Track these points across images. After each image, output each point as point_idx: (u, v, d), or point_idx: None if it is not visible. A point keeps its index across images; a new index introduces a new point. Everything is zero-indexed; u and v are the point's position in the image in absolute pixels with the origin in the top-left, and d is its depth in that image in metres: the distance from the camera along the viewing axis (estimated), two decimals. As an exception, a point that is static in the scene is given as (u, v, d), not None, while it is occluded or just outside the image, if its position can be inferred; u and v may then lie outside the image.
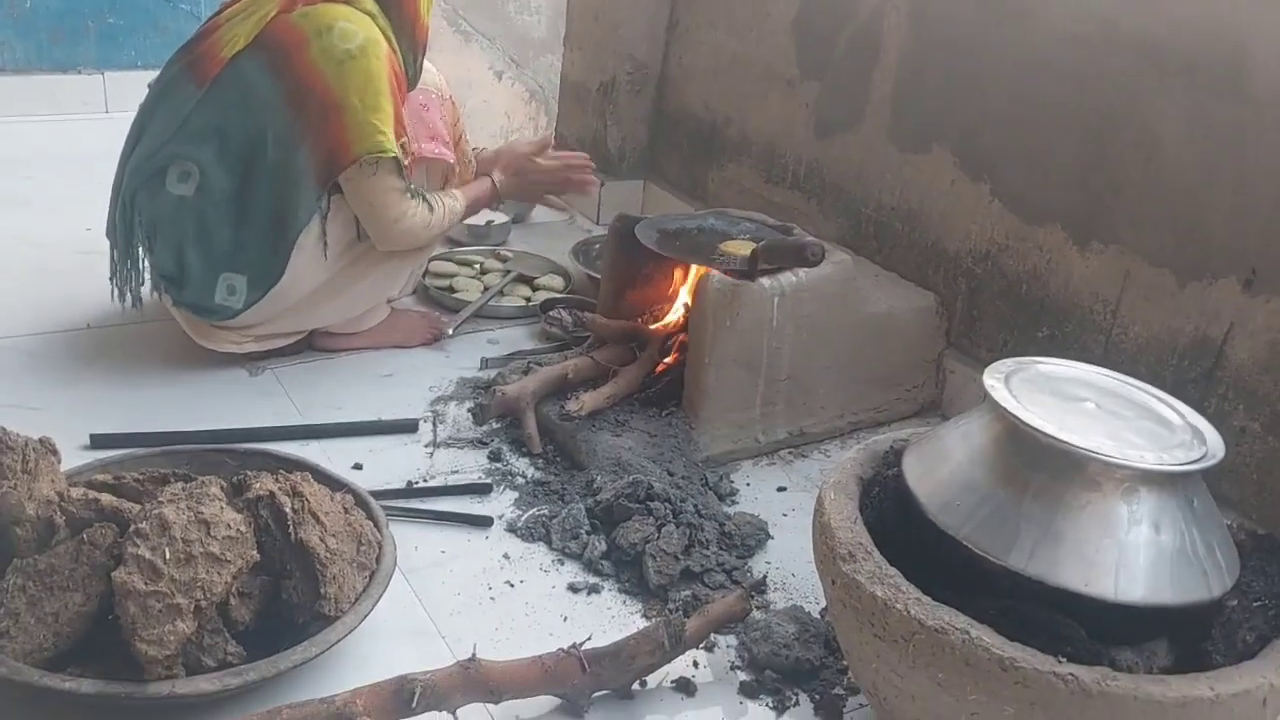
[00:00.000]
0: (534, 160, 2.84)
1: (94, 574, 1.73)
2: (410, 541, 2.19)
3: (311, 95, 2.37)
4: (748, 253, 2.47)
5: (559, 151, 2.87)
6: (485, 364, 2.86)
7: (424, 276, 3.17)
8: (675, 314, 2.71)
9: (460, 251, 3.43)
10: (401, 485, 2.35)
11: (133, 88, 2.93)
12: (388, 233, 2.55)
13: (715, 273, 2.43)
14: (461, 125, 2.88)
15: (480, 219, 3.36)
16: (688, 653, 1.94)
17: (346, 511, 1.92)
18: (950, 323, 2.82)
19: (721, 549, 2.21)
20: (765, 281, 2.45)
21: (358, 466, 2.41)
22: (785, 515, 2.37)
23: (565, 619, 2.06)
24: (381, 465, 2.41)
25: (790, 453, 2.61)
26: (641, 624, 2.02)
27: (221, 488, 1.83)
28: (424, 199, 2.58)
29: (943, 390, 2.84)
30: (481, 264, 3.39)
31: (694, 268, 2.61)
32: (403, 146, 2.46)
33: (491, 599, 2.09)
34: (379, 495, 2.20)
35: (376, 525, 1.98)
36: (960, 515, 1.61)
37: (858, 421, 2.73)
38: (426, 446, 2.49)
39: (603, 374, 2.59)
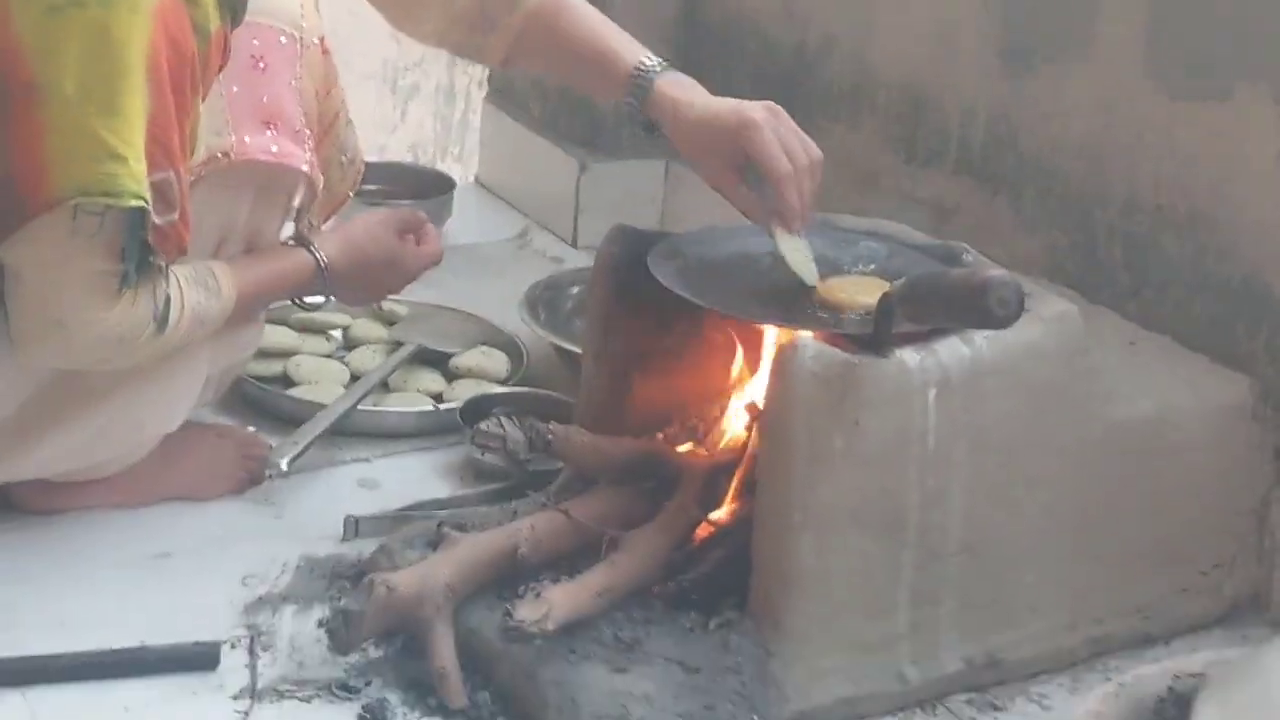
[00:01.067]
0: (399, 238, 2.42)
1: None
2: None
3: None
4: (874, 300, 2.11)
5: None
6: (354, 529, 2.32)
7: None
8: (732, 426, 2.27)
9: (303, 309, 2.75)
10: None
11: None
12: (39, 338, 2.11)
13: (810, 339, 2.08)
14: (340, 94, 2.38)
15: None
16: None
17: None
18: (1286, 435, 2.46)
19: None
20: (909, 356, 2.08)
21: (102, 742, 2.01)
22: (963, 833, 2.02)
23: None
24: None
25: (970, 702, 2.16)
26: None
27: None
28: (154, 293, 2.10)
29: (1273, 571, 2.35)
30: (346, 329, 2.81)
31: (767, 331, 2.26)
32: (158, 187, 1.98)
33: None
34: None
35: None
36: None
37: (1103, 637, 2.24)
38: (237, 698, 2.05)
39: (588, 546, 2.18)
